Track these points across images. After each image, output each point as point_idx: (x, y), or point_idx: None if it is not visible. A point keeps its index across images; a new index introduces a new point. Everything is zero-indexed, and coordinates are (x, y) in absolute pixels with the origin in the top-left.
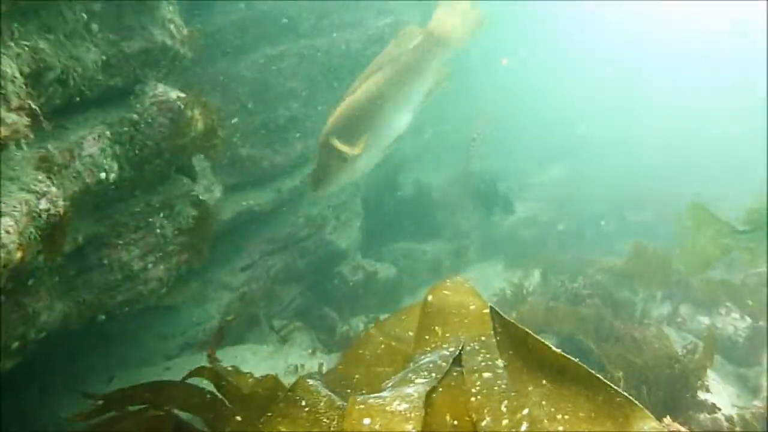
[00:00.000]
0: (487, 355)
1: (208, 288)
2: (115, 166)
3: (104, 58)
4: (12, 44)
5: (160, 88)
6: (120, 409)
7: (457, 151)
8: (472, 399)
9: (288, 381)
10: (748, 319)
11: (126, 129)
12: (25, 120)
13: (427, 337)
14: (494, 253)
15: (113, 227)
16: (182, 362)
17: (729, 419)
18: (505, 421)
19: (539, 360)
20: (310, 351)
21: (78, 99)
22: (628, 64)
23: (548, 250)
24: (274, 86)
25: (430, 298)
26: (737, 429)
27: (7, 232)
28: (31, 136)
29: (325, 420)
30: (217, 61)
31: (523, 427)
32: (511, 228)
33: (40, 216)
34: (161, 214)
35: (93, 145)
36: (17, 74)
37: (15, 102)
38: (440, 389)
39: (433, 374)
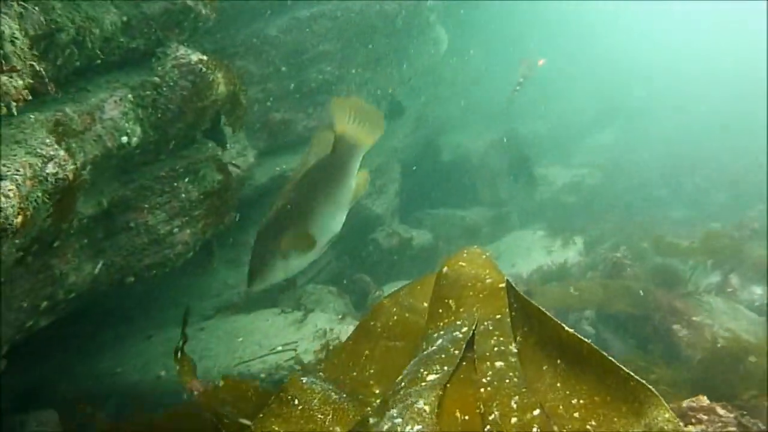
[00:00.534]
0: (501, 339)
1: (242, 252)
2: (138, 130)
3: (124, 19)
4: (13, 3)
5: (182, 50)
6: None
7: (502, 115)
8: (482, 390)
9: (315, 345)
10: None
11: (148, 92)
12: (18, 81)
13: (440, 311)
14: (536, 219)
15: (139, 191)
16: (216, 323)
17: None
18: (514, 419)
19: (553, 339)
20: (340, 316)
21: (99, 62)
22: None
23: (593, 218)
24: (308, 48)
25: (445, 269)
26: None
27: (7, 196)
28: (29, 98)
29: (319, 416)
30: (251, 23)
31: (534, 429)
32: (554, 194)
33: (46, 180)
34: (186, 179)
35: (114, 108)
36: (17, 34)
37: (15, 63)
38: (450, 386)
39: (445, 367)
